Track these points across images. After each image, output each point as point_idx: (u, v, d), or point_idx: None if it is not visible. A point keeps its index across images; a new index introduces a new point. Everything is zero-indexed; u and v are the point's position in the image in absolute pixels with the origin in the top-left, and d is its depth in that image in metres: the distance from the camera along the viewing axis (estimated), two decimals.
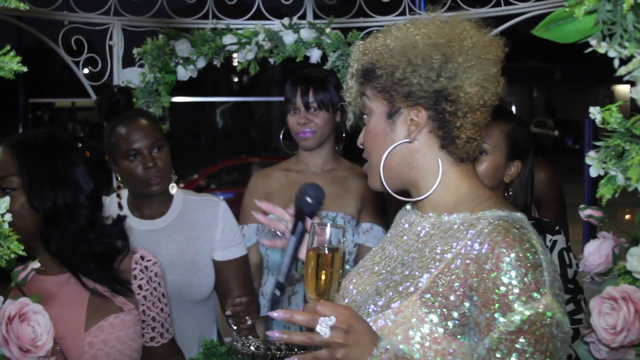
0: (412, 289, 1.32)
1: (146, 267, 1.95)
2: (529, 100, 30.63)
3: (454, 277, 1.29)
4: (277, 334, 1.24)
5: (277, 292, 1.56)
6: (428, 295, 1.29)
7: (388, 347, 1.24)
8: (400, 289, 1.34)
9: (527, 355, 1.20)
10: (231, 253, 2.51)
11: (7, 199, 1.22)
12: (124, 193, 2.55)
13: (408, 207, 1.56)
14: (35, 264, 1.29)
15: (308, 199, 1.55)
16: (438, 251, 1.35)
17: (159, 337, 1.98)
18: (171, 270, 2.41)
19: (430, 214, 1.44)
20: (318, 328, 1.20)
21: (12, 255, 1.21)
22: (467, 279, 1.27)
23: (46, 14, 3.30)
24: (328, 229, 1.38)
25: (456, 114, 1.37)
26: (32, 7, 3.07)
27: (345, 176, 2.75)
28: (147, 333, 1.96)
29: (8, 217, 1.21)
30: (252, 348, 2.08)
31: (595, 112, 1.19)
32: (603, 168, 1.20)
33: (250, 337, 2.16)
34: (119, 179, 2.48)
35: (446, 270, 1.31)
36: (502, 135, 2.19)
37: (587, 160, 1.22)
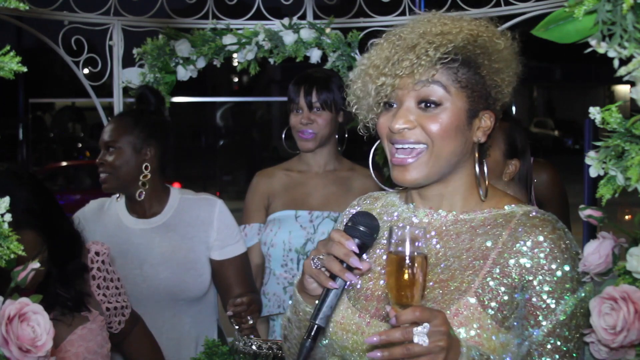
0: (463, 289, 1.34)
1: (103, 262, 1.97)
2: (529, 100, 30.60)
3: (504, 271, 1.34)
4: (378, 354, 1.17)
5: (309, 341, 1.31)
6: (480, 294, 1.33)
7: (464, 349, 1.25)
8: (451, 291, 1.35)
9: (577, 335, 1.31)
10: (229, 252, 2.52)
11: (7, 199, 1.22)
12: None
13: (396, 201, 1.55)
14: (35, 264, 1.28)
15: (361, 227, 1.35)
16: (478, 248, 1.38)
17: (121, 317, 2.02)
18: (164, 268, 2.43)
19: (441, 212, 1.45)
20: (416, 339, 1.16)
21: (12, 256, 1.21)
22: (519, 272, 1.33)
23: (46, 14, 3.30)
24: (408, 231, 1.24)
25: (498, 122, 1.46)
26: (32, 7, 3.07)
27: (347, 176, 2.76)
28: (113, 323, 1.98)
29: (8, 217, 1.21)
30: (254, 347, 2.08)
31: (595, 112, 1.18)
32: (603, 168, 1.20)
33: (252, 336, 2.16)
34: None
35: (494, 266, 1.35)
36: (499, 132, 2.20)
37: (587, 160, 1.22)
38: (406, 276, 1.22)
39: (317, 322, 1.31)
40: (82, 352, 1.78)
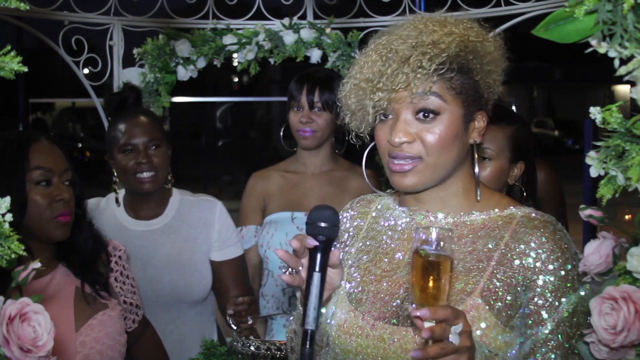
0: (468, 290, 1.35)
1: (120, 257, 2.00)
2: (529, 100, 30.59)
3: (508, 272, 1.35)
4: (419, 353, 1.15)
5: (307, 348, 1.28)
6: (486, 294, 1.34)
7: (477, 345, 1.27)
8: (456, 292, 1.35)
9: (578, 333, 1.32)
10: (228, 253, 2.52)
11: (7, 199, 1.21)
12: (121, 193, 2.56)
13: (391, 204, 1.55)
14: (36, 264, 1.28)
15: (321, 224, 1.32)
16: (481, 250, 1.39)
17: (135, 316, 2.04)
18: (168, 270, 2.42)
19: (439, 215, 1.45)
20: (451, 338, 1.16)
21: (13, 255, 1.21)
22: (523, 272, 1.35)
23: (46, 14, 3.30)
24: (434, 232, 1.23)
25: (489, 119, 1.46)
26: (32, 7, 3.06)
27: (343, 176, 2.75)
28: (128, 320, 2.01)
29: (9, 217, 1.21)
30: (252, 348, 2.07)
31: (595, 112, 1.18)
32: (603, 168, 1.20)
33: (250, 337, 2.16)
34: (116, 175, 2.49)
35: (498, 267, 1.36)
36: (506, 140, 2.17)
37: (587, 160, 1.22)
38: (427, 279, 1.21)
39: (306, 327, 1.29)
40: (101, 337, 1.82)
